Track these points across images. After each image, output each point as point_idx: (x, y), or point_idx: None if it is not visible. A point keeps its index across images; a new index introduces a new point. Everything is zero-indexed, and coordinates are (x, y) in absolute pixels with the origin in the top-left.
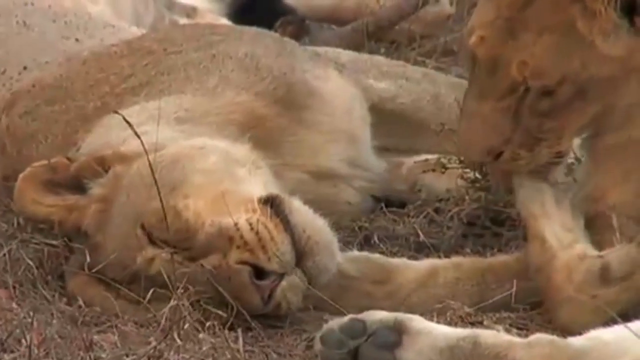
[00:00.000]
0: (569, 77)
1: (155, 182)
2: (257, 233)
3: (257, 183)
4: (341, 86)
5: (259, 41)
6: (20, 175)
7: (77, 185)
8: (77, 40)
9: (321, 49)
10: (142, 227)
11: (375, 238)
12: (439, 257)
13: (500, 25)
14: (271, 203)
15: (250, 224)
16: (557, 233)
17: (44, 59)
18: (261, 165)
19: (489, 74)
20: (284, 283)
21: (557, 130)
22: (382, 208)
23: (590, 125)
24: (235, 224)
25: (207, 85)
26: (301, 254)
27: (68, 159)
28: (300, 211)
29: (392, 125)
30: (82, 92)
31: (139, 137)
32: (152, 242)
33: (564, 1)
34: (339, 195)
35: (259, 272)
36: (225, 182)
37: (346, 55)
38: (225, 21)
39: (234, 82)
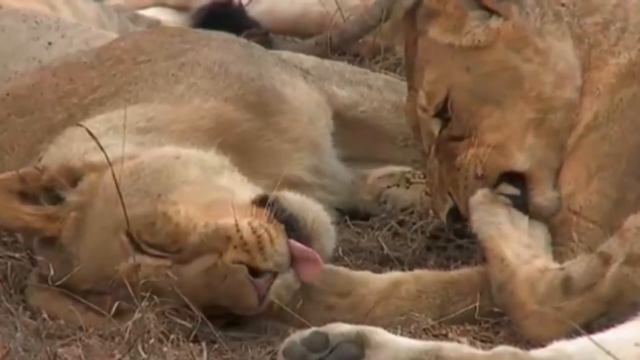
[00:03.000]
0: (454, 85)
1: (119, 197)
2: (257, 235)
3: (243, 186)
4: (306, 93)
5: (228, 48)
6: None
7: (49, 197)
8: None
9: (285, 54)
10: (128, 234)
11: (340, 251)
12: (403, 270)
13: (407, 92)
14: (266, 203)
15: (252, 227)
16: (516, 250)
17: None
18: (234, 169)
19: (418, 140)
20: (278, 281)
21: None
22: (346, 221)
23: (544, 135)
24: (236, 225)
25: (175, 93)
26: (308, 238)
27: (37, 169)
28: (297, 201)
29: (353, 133)
30: (51, 103)
31: (102, 149)
32: (138, 249)
33: (420, 25)
34: None
35: (254, 272)
36: (212, 187)
37: (309, 61)
38: None
39: (202, 89)
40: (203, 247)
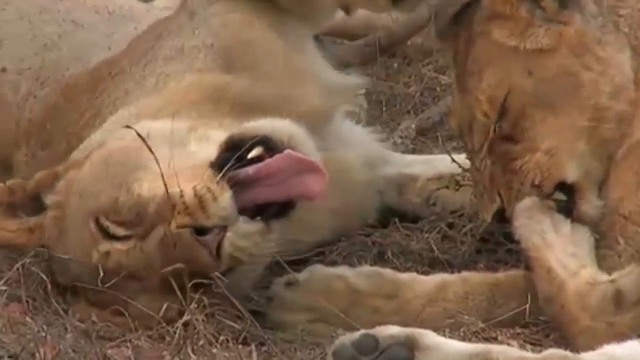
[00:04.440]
0: (514, 88)
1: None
2: (199, 197)
3: (207, 148)
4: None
5: (176, 29)
6: None
7: (37, 206)
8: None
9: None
10: (96, 221)
11: (389, 253)
12: (452, 272)
13: (456, 93)
14: (233, 145)
15: (195, 190)
16: (561, 260)
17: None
18: (218, 125)
19: (468, 137)
20: (228, 233)
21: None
22: (395, 223)
23: (594, 144)
24: (180, 192)
25: (148, 86)
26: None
27: (23, 179)
28: (267, 123)
29: None
30: (57, 135)
31: (151, 150)
32: (107, 235)
33: (481, 27)
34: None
35: (202, 232)
36: (178, 157)
37: None
38: None
39: (171, 73)
40: (156, 217)
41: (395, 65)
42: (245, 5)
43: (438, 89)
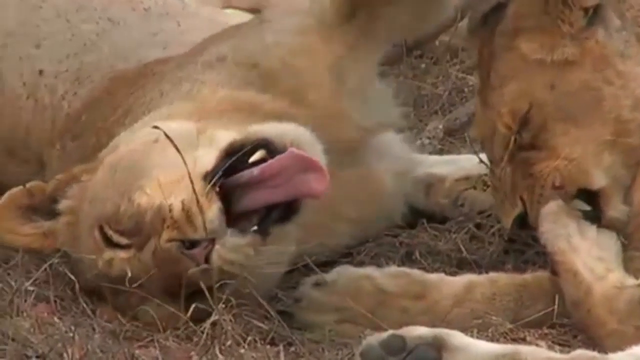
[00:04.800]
0: (536, 102)
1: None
2: (186, 210)
3: (209, 154)
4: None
5: (226, 41)
6: None
7: (53, 209)
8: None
9: None
10: (100, 228)
11: (417, 254)
12: (480, 273)
13: (478, 105)
14: (235, 150)
15: (182, 203)
16: (588, 264)
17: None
18: (212, 131)
19: (489, 147)
20: (217, 246)
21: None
22: (423, 223)
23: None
24: (169, 205)
25: (182, 91)
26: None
27: (44, 182)
28: (272, 127)
29: None
30: (89, 127)
31: (178, 150)
32: (110, 243)
33: (504, 41)
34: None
35: (191, 245)
36: (177, 166)
37: None
38: None
39: (207, 82)
40: (151, 229)
41: (423, 65)
42: (320, 27)
43: (466, 89)
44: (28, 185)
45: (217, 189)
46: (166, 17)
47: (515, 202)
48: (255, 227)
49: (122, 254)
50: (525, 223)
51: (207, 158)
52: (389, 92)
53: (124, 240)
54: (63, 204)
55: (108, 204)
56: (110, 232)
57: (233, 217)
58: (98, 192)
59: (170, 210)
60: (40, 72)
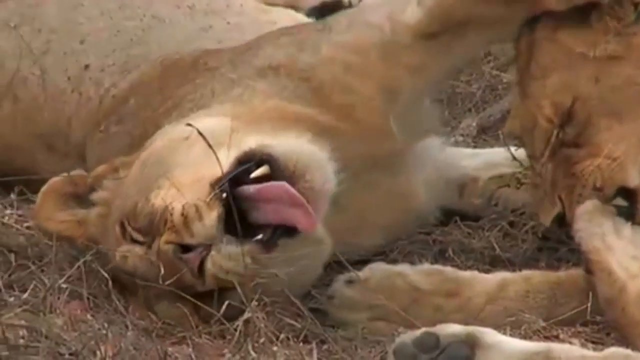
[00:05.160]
0: (581, 95)
1: None
2: (185, 215)
3: (224, 160)
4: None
5: (282, 47)
6: (42, 189)
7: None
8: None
9: None
10: (121, 223)
11: (450, 251)
12: (514, 270)
13: (516, 97)
14: (246, 161)
15: (183, 207)
16: (623, 263)
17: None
18: (266, 133)
19: (529, 141)
20: (212, 252)
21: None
22: (456, 221)
23: None
24: (170, 208)
25: (233, 95)
26: (293, 178)
27: (87, 171)
28: (282, 144)
29: None
30: (136, 114)
31: (211, 147)
32: (127, 238)
33: (547, 33)
34: None
35: (186, 249)
36: (194, 167)
37: None
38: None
39: (258, 90)
40: (157, 230)
41: None
42: (387, 46)
43: (499, 87)
44: (71, 173)
45: (224, 195)
46: (212, 14)
47: (555, 201)
48: (259, 237)
49: (136, 250)
50: (563, 222)
51: (223, 162)
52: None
53: (139, 237)
54: (98, 195)
55: (130, 200)
56: (129, 229)
57: (254, 227)
58: (127, 187)
59: (170, 214)
60: (86, 66)
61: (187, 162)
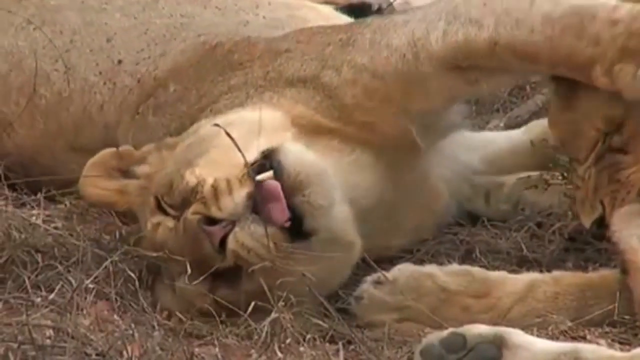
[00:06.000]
0: (632, 105)
1: None
2: (214, 187)
3: (263, 147)
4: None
5: (310, 59)
6: (90, 160)
7: (134, 172)
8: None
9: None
10: (155, 197)
11: (477, 252)
12: (541, 271)
13: (555, 106)
14: (265, 156)
15: (215, 179)
16: None
17: None
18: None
19: (572, 147)
20: (236, 229)
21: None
22: (483, 222)
23: None
24: (202, 180)
25: (264, 99)
26: (291, 190)
27: (135, 147)
28: (292, 152)
29: None
30: (173, 108)
31: (238, 147)
32: (160, 209)
33: None
34: None
35: (212, 222)
36: (229, 152)
37: None
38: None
39: (286, 97)
40: (188, 204)
41: None
42: (406, 73)
43: (527, 87)
44: (120, 148)
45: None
46: (242, 12)
47: (596, 205)
48: (288, 223)
49: (167, 222)
50: (603, 224)
51: (261, 148)
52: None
53: (171, 211)
54: (141, 169)
55: (166, 177)
56: (162, 202)
57: None
58: (168, 165)
59: (202, 185)
60: (119, 61)
61: (225, 143)
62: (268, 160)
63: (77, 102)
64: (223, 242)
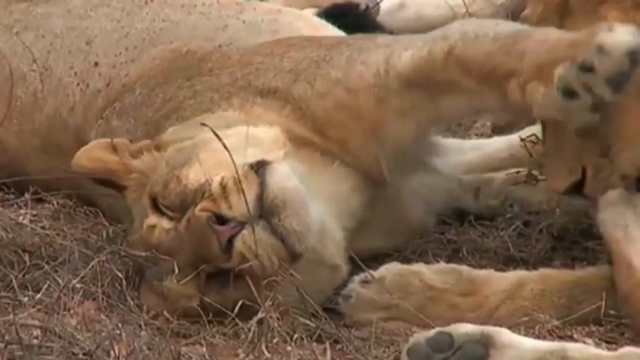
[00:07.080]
0: None
1: None
2: (223, 186)
3: (258, 155)
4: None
5: (281, 73)
6: (80, 150)
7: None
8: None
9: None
10: (151, 197)
11: (464, 251)
12: (528, 270)
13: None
14: (253, 167)
15: (223, 179)
16: None
17: None
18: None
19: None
20: (244, 231)
21: (624, 135)
22: (471, 221)
23: None
24: (209, 178)
25: (232, 103)
26: (267, 212)
27: (130, 141)
28: (279, 174)
29: None
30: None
31: (226, 147)
32: (157, 210)
33: None
34: None
35: (222, 221)
36: (220, 155)
37: None
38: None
39: (260, 108)
40: (191, 202)
41: None
42: (378, 89)
43: None
44: (115, 140)
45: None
46: (227, 17)
47: (577, 171)
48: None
49: (164, 223)
50: (579, 191)
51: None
52: None
53: (169, 212)
54: (136, 164)
55: (161, 179)
56: (158, 203)
57: None
58: (161, 166)
59: (209, 184)
60: (95, 63)
61: (220, 146)
62: (255, 171)
63: (52, 102)
64: (229, 241)
